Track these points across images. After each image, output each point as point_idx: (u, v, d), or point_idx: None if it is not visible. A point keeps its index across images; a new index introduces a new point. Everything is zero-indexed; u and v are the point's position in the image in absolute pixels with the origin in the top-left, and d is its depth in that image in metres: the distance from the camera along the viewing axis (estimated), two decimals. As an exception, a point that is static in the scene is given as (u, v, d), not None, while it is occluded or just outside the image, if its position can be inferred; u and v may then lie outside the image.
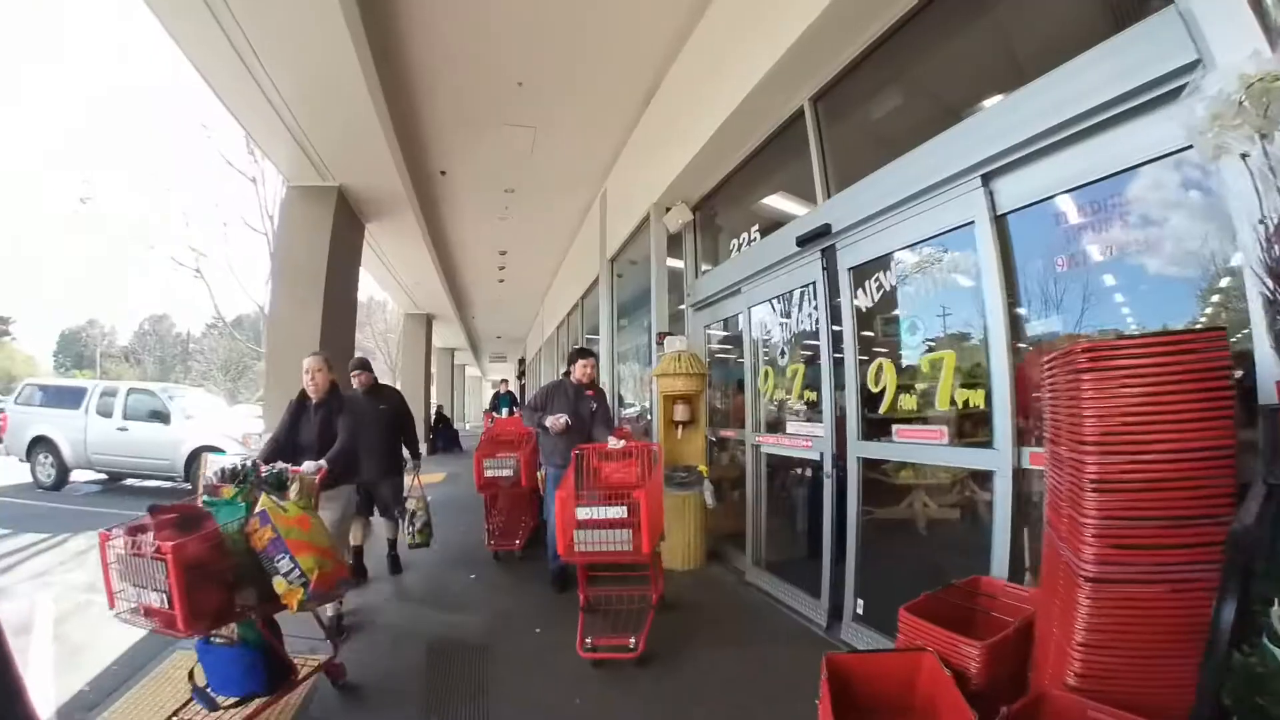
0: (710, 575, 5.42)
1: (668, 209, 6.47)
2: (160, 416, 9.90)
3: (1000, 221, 2.99)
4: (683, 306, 6.59)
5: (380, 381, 5.73)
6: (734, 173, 5.74)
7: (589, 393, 5.13)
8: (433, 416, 18.37)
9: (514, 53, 5.84)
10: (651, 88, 6.49)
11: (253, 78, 5.27)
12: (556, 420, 4.85)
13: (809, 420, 4.57)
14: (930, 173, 3.30)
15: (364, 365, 5.58)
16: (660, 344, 6.26)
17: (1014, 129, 2.81)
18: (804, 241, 4.36)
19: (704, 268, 6.44)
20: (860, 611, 3.88)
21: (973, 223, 3.09)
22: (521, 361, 27.81)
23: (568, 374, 5.21)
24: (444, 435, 18.11)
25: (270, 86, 5.42)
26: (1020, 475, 2.89)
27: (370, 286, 15.84)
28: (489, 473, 5.84)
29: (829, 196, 4.34)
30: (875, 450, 3.82)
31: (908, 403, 3.56)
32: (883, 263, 3.77)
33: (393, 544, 5.63)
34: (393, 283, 13.70)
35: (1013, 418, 2.88)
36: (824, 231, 4.15)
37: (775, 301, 5.11)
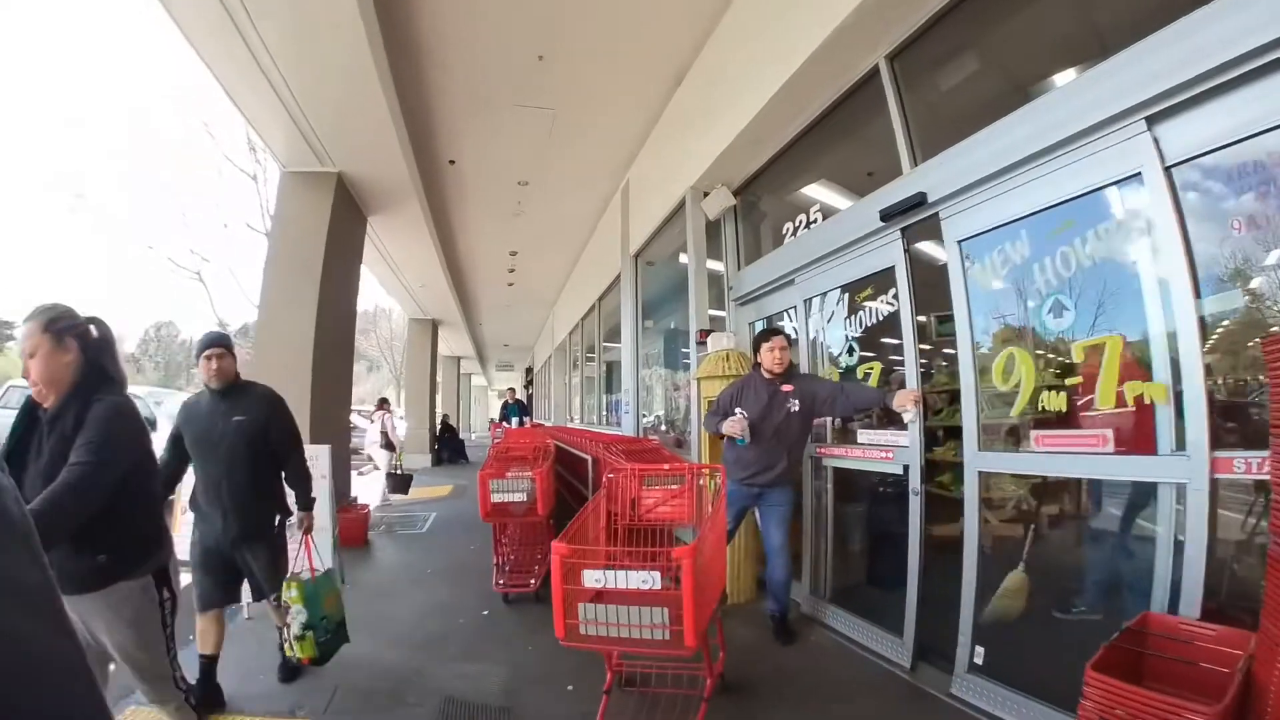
0: (762, 611, 4.58)
1: (705, 194, 5.81)
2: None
3: (1169, 174, 2.44)
4: (714, 315, 5.94)
5: (248, 379, 3.51)
6: (786, 149, 5.11)
7: (786, 388, 4.08)
8: (438, 426, 17.80)
9: (534, 19, 5.20)
10: (688, 58, 5.83)
11: (244, 41, 4.62)
12: (733, 423, 3.99)
13: (888, 427, 4.04)
14: (1073, 119, 2.72)
15: (221, 343, 3.36)
16: (703, 343, 5.56)
17: (1194, 57, 2.28)
18: (890, 215, 3.72)
19: (745, 259, 5.80)
20: (980, 661, 3.12)
21: (1137, 175, 2.54)
22: (529, 371, 27.11)
23: (757, 365, 4.27)
24: (449, 445, 17.57)
25: (264, 52, 4.77)
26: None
27: (375, 292, 15.15)
28: (497, 497, 4.69)
29: (916, 163, 3.72)
30: (1007, 462, 3.14)
31: (1053, 401, 2.88)
32: (1008, 233, 3.10)
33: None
34: (397, 284, 12.89)
35: (1209, 416, 2.30)
36: (918, 202, 3.52)
37: (839, 292, 4.46)
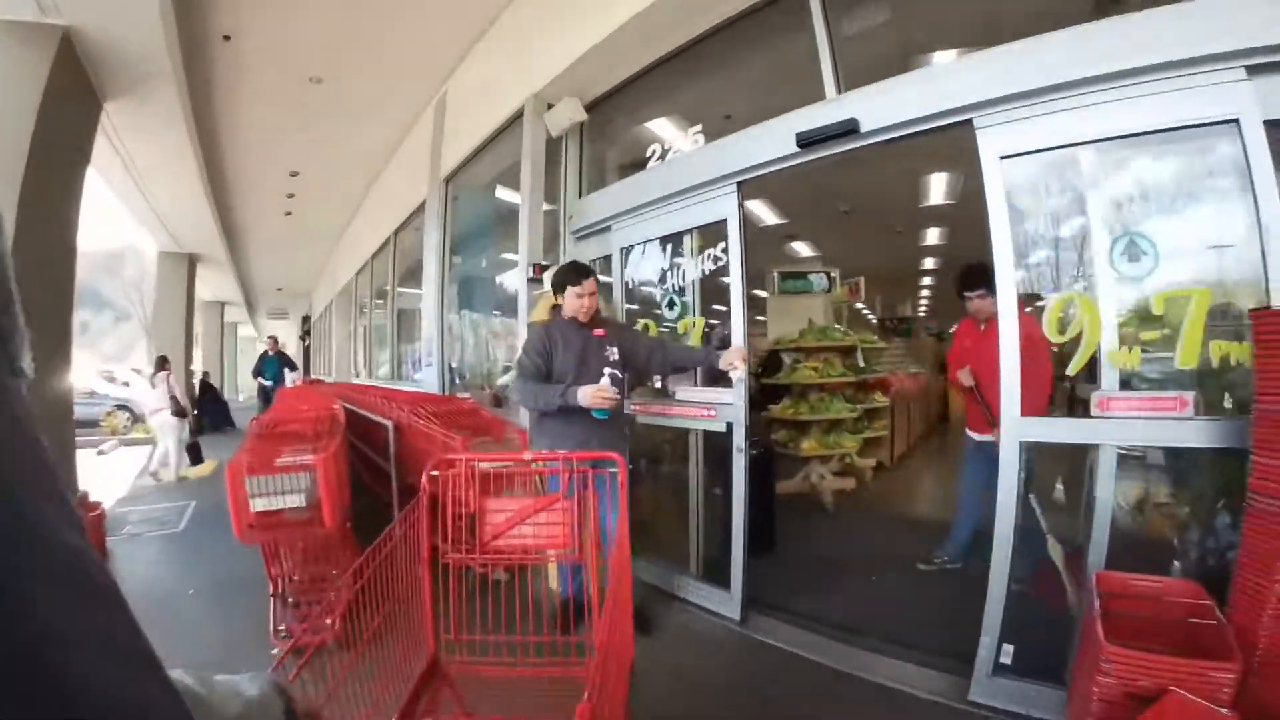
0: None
1: (550, 105, 4.88)
2: None
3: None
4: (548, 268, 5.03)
5: None
6: (666, 60, 4.41)
7: (598, 332, 3.48)
8: (197, 387, 14.68)
9: None
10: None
11: None
12: (600, 392, 3.21)
13: (713, 384, 3.90)
14: (1161, 46, 2.40)
15: None
16: (538, 279, 4.66)
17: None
18: (811, 141, 3.25)
19: (589, 187, 4.98)
20: (1008, 660, 2.70)
21: (1234, 121, 2.31)
22: (306, 319, 23.92)
23: (557, 309, 3.58)
24: (211, 410, 14.38)
25: None
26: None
27: (118, 220, 12.20)
28: (260, 504, 3.20)
29: (842, 89, 3.37)
30: (1062, 430, 2.68)
31: (1123, 359, 2.49)
32: (1067, 157, 2.66)
33: None
34: (141, 203, 10.13)
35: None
36: (848, 129, 3.14)
37: (685, 236, 4.12)
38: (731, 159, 3.70)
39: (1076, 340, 2.58)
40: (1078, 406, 2.67)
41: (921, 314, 23.66)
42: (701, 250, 3.99)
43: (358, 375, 13.34)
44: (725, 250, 3.81)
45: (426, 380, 7.14)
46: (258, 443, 3.76)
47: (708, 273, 3.98)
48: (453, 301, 7.20)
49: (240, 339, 33.22)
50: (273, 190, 10.71)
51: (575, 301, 3.40)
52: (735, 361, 3.42)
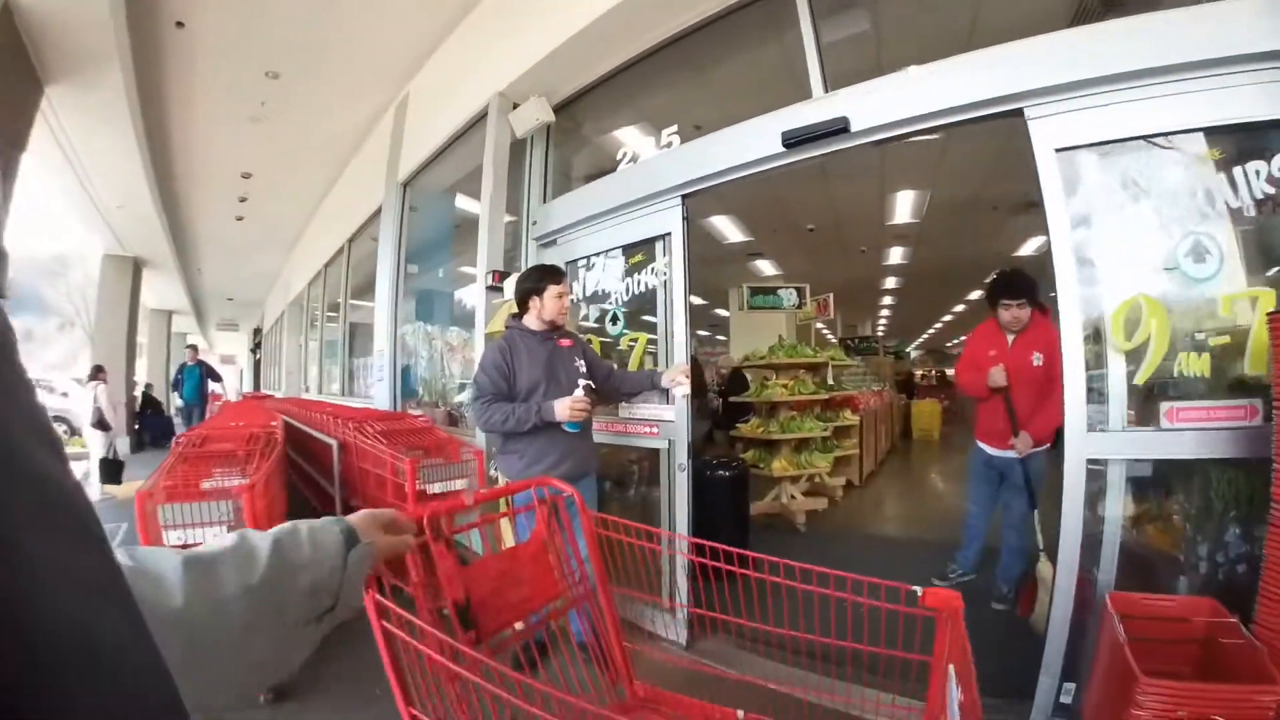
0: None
1: (516, 105, 4.63)
2: None
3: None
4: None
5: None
6: (642, 59, 4.17)
7: (564, 343, 3.27)
8: (139, 400, 13.90)
9: None
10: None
11: None
12: (577, 404, 3.01)
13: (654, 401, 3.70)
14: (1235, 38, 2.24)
15: None
16: (497, 287, 4.40)
17: None
18: (797, 141, 3.07)
19: (555, 193, 4.74)
20: (1069, 700, 2.48)
21: None
22: (257, 331, 23.13)
23: (518, 317, 3.27)
24: (153, 424, 13.70)
25: None
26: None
27: (66, 221, 11.44)
28: (174, 537, 2.78)
29: (829, 88, 3.16)
30: (1135, 445, 2.44)
31: (1193, 365, 2.34)
32: (1130, 151, 2.47)
33: None
34: (85, 200, 9.47)
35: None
36: (839, 129, 2.95)
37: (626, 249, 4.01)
38: (676, 171, 3.59)
39: (1145, 345, 2.42)
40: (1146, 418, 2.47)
41: (880, 333, 24.06)
42: (646, 265, 3.87)
43: (307, 390, 12.78)
44: (669, 265, 3.71)
45: (379, 396, 6.78)
46: (181, 464, 3.43)
47: (651, 288, 3.85)
48: (407, 313, 6.85)
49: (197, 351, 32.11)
50: (224, 192, 10.16)
51: (556, 303, 3.15)
52: (677, 378, 3.39)
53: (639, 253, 3.93)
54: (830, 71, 3.17)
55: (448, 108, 5.55)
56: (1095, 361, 2.51)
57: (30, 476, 0.31)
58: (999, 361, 3.65)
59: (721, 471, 4.48)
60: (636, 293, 3.94)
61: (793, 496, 6.06)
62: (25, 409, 0.32)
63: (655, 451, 3.71)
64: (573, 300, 4.08)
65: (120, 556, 0.55)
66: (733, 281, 11.85)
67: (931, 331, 29.15)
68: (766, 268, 12.15)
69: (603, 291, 4.15)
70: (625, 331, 4.03)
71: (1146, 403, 2.44)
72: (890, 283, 14.97)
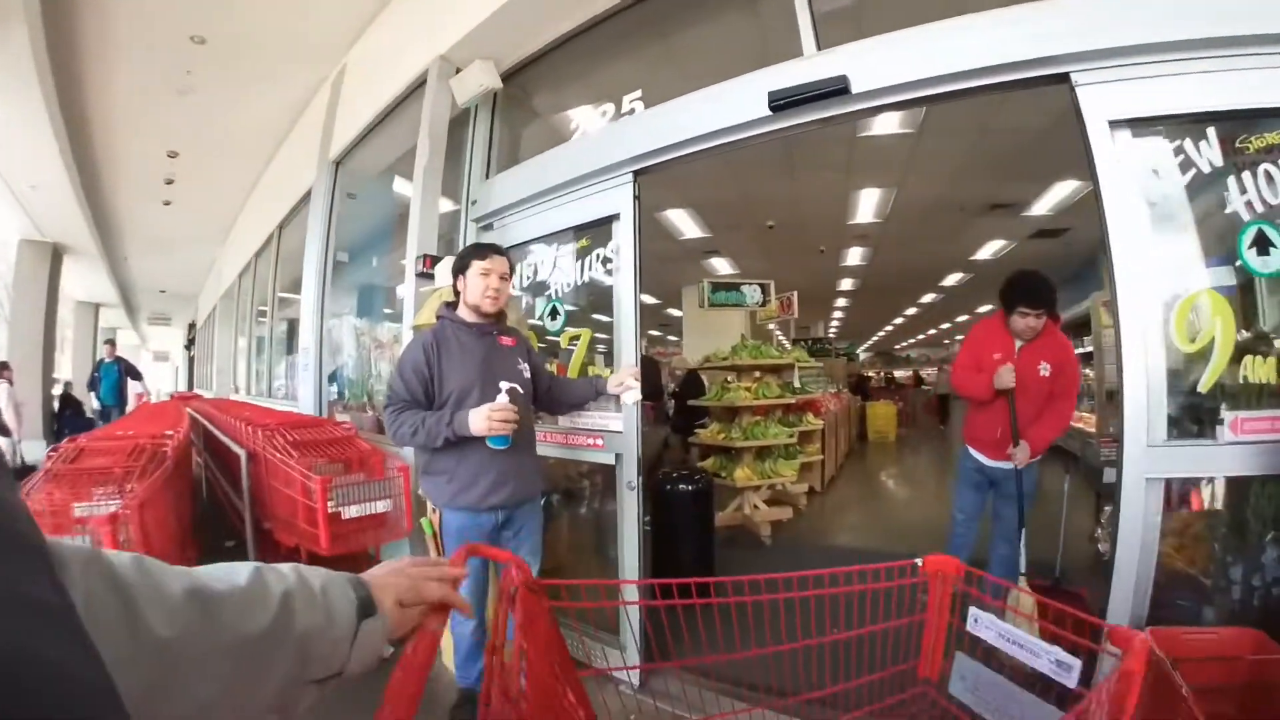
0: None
1: (459, 70, 4.12)
2: None
3: None
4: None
5: None
6: (606, 18, 3.71)
7: (506, 340, 2.72)
8: (57, 400, 12.77)
9: None
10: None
11: None
12: (498, 413, 2.43)
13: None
14: None
15: None
16: (428, 273, 3.88)
17: None
18: (786, 103, 2.61)
19: (499, 169, 4.21)
20: None
21: None
22: (192, 326, 21.91)
23: (453, 306, 2.72)
24: (73, 425, 11.76)
25: None
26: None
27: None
28: None
29: (821, 46, 2.74)
30: (1205, 461, 2.14)
31: (1261, 370, 2.07)
32: (1190, 129, 2.15)
33: None
34: None
35: None
36: (838, 89, 2.52)
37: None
38: (629, 143, 3.14)
39: (1209, 348, 2.11)
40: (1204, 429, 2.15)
41: (833, 334, 24.02)
42: (591, 251, 3.40)
43: (237, 391, 11.93)
44: (617, 251, 3.23)
45: (303, 399, 6.15)
46: (50, 484, 2.86)
47: (598, 278, 3.39)
48: (338, 306, 6.23)
49: (120, 347, 30.43)
50: (150, 173, 9.27)
51: (479, 283, 2.57)
52: (626, 381, 2.85)
53: (584, 237, 3.45)
54: (825, 37, 2.77)
55: (386, 77, 5.01)
56: (1153, 366, 2.16)
57: None
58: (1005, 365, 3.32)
59: (684, 485, 4.06)
60: (580, 283, 3.47)
61: (756, 507, 5.69)
62: None
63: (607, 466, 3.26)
64: (516, 292, 3.59)
65: (126, 563, 0.56)
66: (687, 280, 11.48)
67: (882, 334, 29.31)
68: (723, 266, 11.83)
69: (544, 282, 3.67)
70: (567, 328, 3.53)
71: (1210, 412, 2.14)
72: (847, 284, 14.82)
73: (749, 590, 1.47)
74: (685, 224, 9.09)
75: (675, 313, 14.98)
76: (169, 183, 9.53)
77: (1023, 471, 3.22)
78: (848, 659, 1.50)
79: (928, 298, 17.56)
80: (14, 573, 0.32)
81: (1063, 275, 8.48)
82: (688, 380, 8.04)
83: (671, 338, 19.24)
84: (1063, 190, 7.67)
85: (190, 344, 21.66)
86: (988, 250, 10.87)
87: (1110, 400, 5.20)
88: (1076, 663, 1.22)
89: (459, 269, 2.64)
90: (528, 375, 2.70)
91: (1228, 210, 2.13)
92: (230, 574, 0.65)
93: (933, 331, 28.36)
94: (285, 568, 0.71)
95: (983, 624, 1.40)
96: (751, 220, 9.07)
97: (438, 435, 2.46)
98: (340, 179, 6.07)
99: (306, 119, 7.22)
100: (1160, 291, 2.16)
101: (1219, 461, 2.10)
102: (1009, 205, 8.33)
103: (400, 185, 5.58)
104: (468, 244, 4.01)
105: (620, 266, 3.20)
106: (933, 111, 5.47)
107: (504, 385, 2.52)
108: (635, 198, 3.15)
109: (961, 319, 22.89)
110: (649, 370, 8.50)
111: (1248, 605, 2.18)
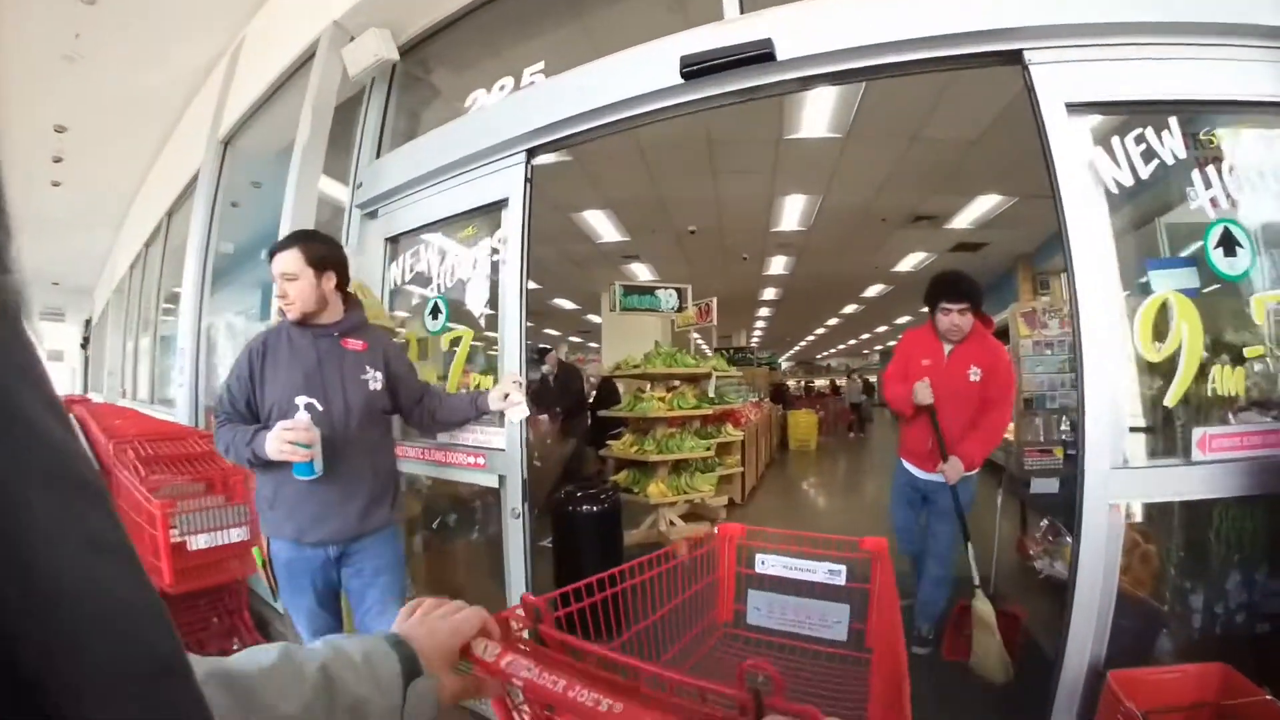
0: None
1: (353, 39, 3.66)
2: None
3: None
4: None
5: None
6: None
7: (353, 344, 2.26)
8: None
9: None
10: None
11: None
12: (290, 434, 1.98)
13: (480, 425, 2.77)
14: None
15: None
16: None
17: None
18: (699, 69, 2.28)
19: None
20: None
21: None
22: (88, 323, 20.50)
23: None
24: None
25: None
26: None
27: None
28: None
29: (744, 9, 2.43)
30: (1171, 483, 1.94)
31: (1229, 382, 1.89)
32: (1149, 118, 1.96)
33: None
34: None
35: None
36: (762, 54, 2.18)
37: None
38: (521, 118, 2.74)
39: (1175, 356, 1.91)
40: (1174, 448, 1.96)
41: (755, 343, 24.15)
42: (477, 240, 3.00)
43: (124, 394, 10.96)
44: (504, 240, 2.81)
45: (180, 405, 5.49)
46: None
47: (486, 271, 2.98)
48: (223, 304, 5.61)
49: None
50: (35, 148, 8.20)
51: (310, 284, 2.16)
52: (510, 393, 2.40)
53: (469, 225, 3.02)
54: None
55: (280, 48, 4.52)
56: (1115, 377, 1.94)
57: (40, 440, 0.32)
58: (932, 372, 3.15)
59: (588, 506, 3.68)
60: (464, 277, 3.03)
61: (671, 523, 5.35)
62: (33, 377, 0.34)
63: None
64: (427, 288, 3.15)
65: None
66: (606, 285, 11.18)
67: (804, 344, 29.70)
68: (643, 272, 11.55)
69: (427, 275, 3.20)
70: (450, 326, 3.05)
71: (1175, 428, 1.97)
72: (769, 294, 14.78)
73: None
74: (603, 226, 8.74)
75: (595, 319, 14.65)
76: (57, 161, 8.59)
77: (958, 486, 3.05)
78: (671, 628, 1.64)
79: (849, 309, 17.73)
80: (79, 511, 0.33)
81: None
82: (603, 388, 7.70)
83: (593, 345, 18.89)
84: (985, 204, 7.69)
85: (86, 342, 20.21)
86: (909, 262, 10.95)
87: (1028, 408, 5.06)
88: (842, 568, 1.69)
89: (275, 251, 2.22)
90: (376, 386, 2.26)
91: (1192, 206, 1.94)
92: (254, 656, 0.62)
93: (853, 341, 28.90)
94: (316, 641, 0.69)
95: (769, 564, 1.75)
96: (672, 224, 8.80)
97: (242, 455, 2.06)
98: (232, 162, 5.51)
99: (202, 97, 6.53)
100: (1121, 294, 1.95)
101: (1188, 483, 1.90)
102: (932, 217, 8.34)
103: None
104: (355, 238, 3.57)
105: (507, 259, 2.77)
106: (862, 115, 5.33)
107: (300, 400, 2.08)
108: (528, 180, 2.74)
109: (881, 329, 23.34)
110: (570, 378, 8.13)
111: (1209, 635, 2.06)
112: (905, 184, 6.92)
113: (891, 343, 29.37)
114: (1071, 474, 1.92)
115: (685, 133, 5.61)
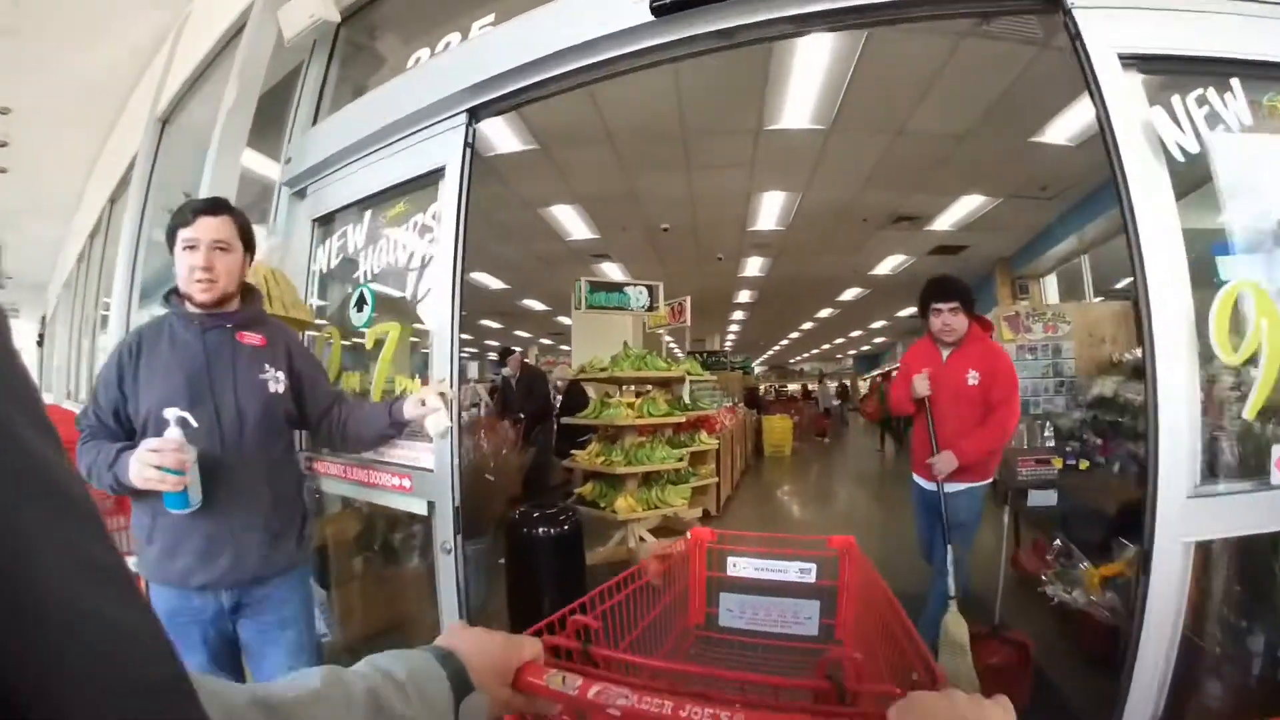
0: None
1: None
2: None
3: None
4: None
5: None
6: None
7: (250, 338, 1.85)
8: None
9: None
10: None
11: None
12: (157, 456, 1.55)
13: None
14: None
15: None
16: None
17: None
18: (672, 6, 1.85)
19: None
20: None
21: None
22: (44, 320, 19.64)
23: (172, 297, 1.81)
24: None
25: None
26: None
27: None
28: None
29: None
30: (1254, 515, 1.56)
31: None
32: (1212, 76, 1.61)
33: None
34: None
35: None
36: None
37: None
38: (461, 72, 2.33)
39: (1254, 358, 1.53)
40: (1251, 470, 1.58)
41: (729, 347, 23.84)
42: (409, 218, 2.54)
43: (69, 396, 10.40)
44: (438, 218, 2.37)
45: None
46: None
47: (421, 254, 2.52)
48: (153, 298, 5.12)
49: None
50: None
51: (183, 261, 1.73)
52: (431, 401, 1.98)
53: (400, 201, 2.57)
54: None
55: (222, 17, 4.06)
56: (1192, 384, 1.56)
57: (30, 461, 0.31)
58: (930, 377, 3.08)
59: (544, 529, 3.26)
60: (396, 261, 2.58)
61: (642, 539, 4.95)
62: (22, 395, 0.32)
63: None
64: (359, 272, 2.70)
65: None
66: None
67: (778, 348, 29.46)
68: (614, 272, 11.15)
69: (353, 260, 2.74)
70: (378, 320, 2.60)
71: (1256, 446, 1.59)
72: (744, 296, 14.47)
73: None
74: (573, 222, 8.34)
75: (566, 320, 14.23)
76: (2, 145, 8.05)
77: (960, 494, 2.95)
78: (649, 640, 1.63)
79: (825, 313, 17.46)
80: (75, 536, 0.32)
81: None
82: (569, 393, 7.29)
83: (564, 347, 18.48)
84: (968, 205, 7.42)
85: (41, 340, 19.38)
86: (887, 265, 10.68)
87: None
88: (813, 565, 1.76)
89: (169, 242, 1.78)
90: (277, 388, 1.84)
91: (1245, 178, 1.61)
92: (300, 680, 0.59)
93: (827, 346, 28.71)
94: (360, 663, 0.65)
95: (740, 566, 1.82)
96: (644, 222, 8.42)
97: (104, 483, 1.64)
98: (179, 146, 5.03)
99: (149, 75, 6.04)
100: (1193, 283, 1.57)
101: (1272, 512, 1.54)
102: (914, 218, 8.05)
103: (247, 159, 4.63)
104: (282, 220, 3.13)
105: (440, 238, 2.33)
106: (848, 105, 5.00)
107: (171, 414, 1.62)
108: (468, 144, 2.30)
109: (855, 333, 23.17)
110: (534, 382, 7.72)
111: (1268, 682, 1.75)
112: (888, 181, 6.63)
113: (866, 348, 29.36)
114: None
115: (659, 118, 5.25)
